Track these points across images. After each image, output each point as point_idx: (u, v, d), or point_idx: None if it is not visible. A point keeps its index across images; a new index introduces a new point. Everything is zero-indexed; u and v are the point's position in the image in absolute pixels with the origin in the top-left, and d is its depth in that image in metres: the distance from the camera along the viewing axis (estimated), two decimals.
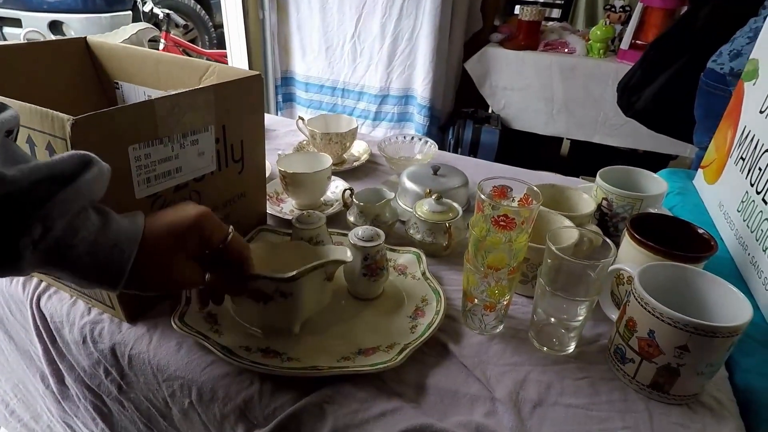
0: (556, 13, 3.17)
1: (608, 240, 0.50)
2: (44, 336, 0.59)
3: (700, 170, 0.94)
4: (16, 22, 3.27)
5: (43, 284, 0.60)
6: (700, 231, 0.56)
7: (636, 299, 0.46)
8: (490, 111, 2.14)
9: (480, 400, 0.47)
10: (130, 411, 0.57)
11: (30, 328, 0.60)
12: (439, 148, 0.98)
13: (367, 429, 0.43)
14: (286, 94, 2.29)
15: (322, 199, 0.82)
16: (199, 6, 3.85)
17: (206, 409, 0.49)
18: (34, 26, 3.23)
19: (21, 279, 0.61)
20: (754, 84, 0.79)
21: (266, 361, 0.48)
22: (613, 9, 2.13)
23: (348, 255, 0.52)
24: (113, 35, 1.53)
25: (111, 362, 0.55)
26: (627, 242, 0.56)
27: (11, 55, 0.70)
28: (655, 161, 1.99)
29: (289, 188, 0.77)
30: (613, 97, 1.92)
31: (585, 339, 0.55)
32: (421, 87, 1.98)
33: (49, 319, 0.58)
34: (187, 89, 0.54)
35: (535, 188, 0.49)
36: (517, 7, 2.62)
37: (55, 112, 0.43)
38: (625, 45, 1.89)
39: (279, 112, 2.29)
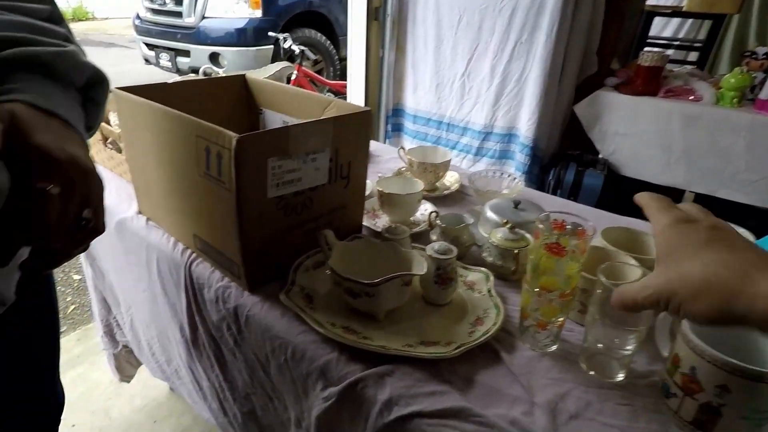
0: (693, 56, 2.94)
1: None
2: (189, 292, 0.78)
3: None
4: (186, 53, 4.13)
5: (194, 255, 0.80)
6: None
7: (681, 336, 0.49)
8: (599, 156, 2.09)
9: (520, 402, 0.53)
10: (240, 361, 0.73)
11: (180, 286, 0.80)
12: (538, 189, 1.03)
13: (416, 401, 0.53)
14: (395, 124, 2.49)
15: (411, 218, 0.93)
16: (329, 42, 4.39)
17: (296, 366, 0.62)
18: (198, 57, 4.04)
19: (180, 248, 0.81)
20: None
21: (346, 335, 0.60)
22: (754, 56, 1.97)
23: (423, 268, 0.63)
24: (263, 71, 1.85)
25: (233, 319, 0.71)
26: None
27: (195, 87, 0.96)
28: None
29: (384, 206, 0.91)
30: (746, 150, 1.75)
31: (638, 373, 0.58)
32: (525, 126, 2.02)
33: (195, 280, 0.77)
34: (313, 120, 0.70)
35: (591, 223, 0.54)
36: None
37: (226, 130, 0.61)
38: (765, 95, 1.72)
39: (387, 140, 2.49)
